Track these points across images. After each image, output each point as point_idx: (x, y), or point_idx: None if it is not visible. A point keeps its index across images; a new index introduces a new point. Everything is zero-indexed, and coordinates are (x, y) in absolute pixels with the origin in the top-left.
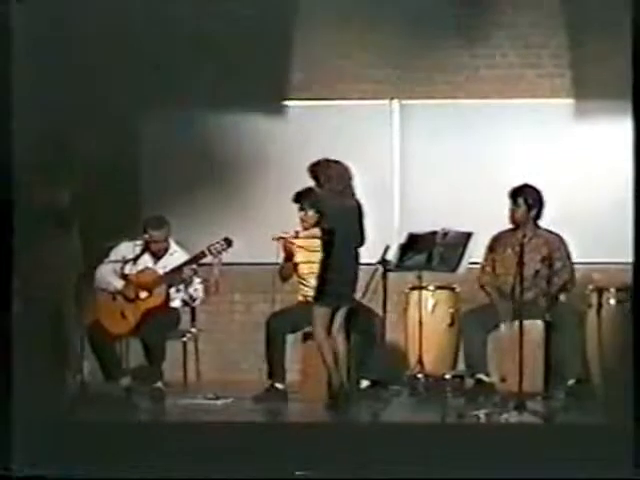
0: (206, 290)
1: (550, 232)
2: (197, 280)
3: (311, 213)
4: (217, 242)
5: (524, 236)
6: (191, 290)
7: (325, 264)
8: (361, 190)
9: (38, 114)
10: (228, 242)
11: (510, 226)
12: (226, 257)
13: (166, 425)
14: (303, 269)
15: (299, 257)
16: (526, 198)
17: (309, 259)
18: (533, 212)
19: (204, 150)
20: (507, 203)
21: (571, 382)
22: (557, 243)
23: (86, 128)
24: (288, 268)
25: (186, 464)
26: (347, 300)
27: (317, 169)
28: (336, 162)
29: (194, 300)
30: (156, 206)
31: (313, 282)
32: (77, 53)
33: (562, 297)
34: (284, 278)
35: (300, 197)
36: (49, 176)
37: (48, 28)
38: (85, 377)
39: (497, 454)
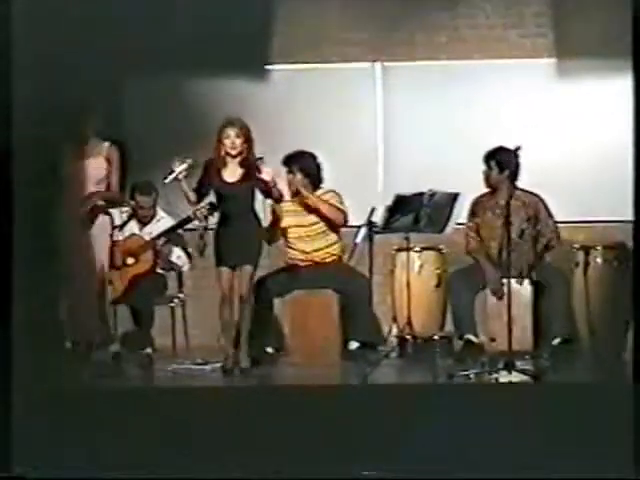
0: (190, 256)
1: (528, 192)
2: (178, 248)
3: (299, 176)
4: (202, 206)
5: (510, 196)
6: (173, 258)
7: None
8: (345, 152)
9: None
10: (213, 206)
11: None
12: (212, 222)
13: (155, 390)
14: (291, 233)
15: (287, 221)
16: (499, 160)
17: (298, 223)
18: (506, 174)
19: (189, 115)
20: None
21: (558, 341)
22: (536, 203)
23: (69, 94)
24: (275, 232)
25: (174, 430)
26: (245, 259)
27: (241, 130)
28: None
29: (179, 267)
30: (142, 172)
31: (301, 245)
32: (60, 17)
33: (547, 257)
34: (270, 241)
35: (290, 160)
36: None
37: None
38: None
39: (487, 413)
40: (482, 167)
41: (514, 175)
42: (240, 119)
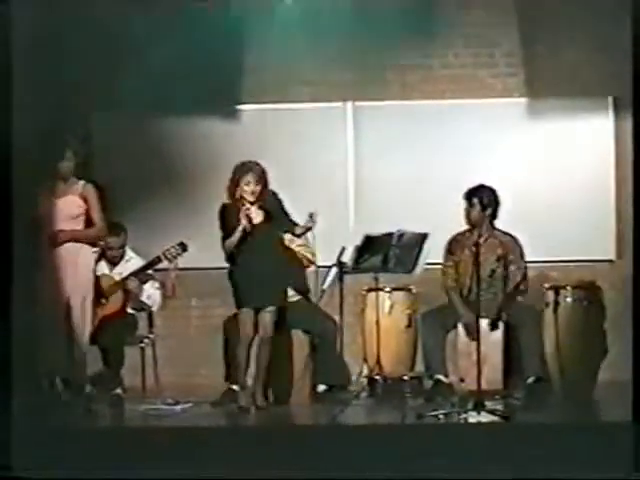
0: (163, 295)
1: (505, 233)
2: (151, 286)
3: None
4: (172, 247)
5: (480, 236)
6: (144, 297)
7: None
8: (316, 192)
9: None
10: (183, 247)
11: (466, 227)
12: (182, 262)
13: (126, 430)
14: None
15: None
16: (481, 198)
17: None
18: (488, 212)
19: (159, 155)
20: (462, 203)
21: (530, 380)
22: (512, 245)
23: (37, 132)
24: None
25: (146, 469)
26: (270, 300)
27: (260, 175)
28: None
29: (149, 307)
30: (111, 212)
31: None
32: (30, 54)
33: (519, 298)
34: None
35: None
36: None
37: None
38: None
39: (457, 453)
40: (454, 206)
41: (494, 214)
42: (258, 164)
